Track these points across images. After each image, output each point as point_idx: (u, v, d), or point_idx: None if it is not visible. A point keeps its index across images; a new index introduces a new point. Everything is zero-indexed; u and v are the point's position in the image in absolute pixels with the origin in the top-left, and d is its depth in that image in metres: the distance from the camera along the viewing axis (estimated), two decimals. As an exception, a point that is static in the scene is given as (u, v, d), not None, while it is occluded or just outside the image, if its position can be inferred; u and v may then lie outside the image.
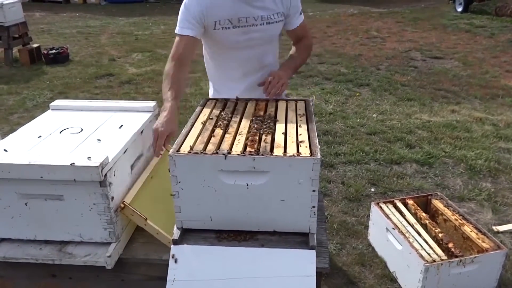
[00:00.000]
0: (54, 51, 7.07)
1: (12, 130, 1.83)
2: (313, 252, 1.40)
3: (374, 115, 4.73)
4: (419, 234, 2.39)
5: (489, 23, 9.29)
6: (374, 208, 2.67)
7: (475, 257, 2.21)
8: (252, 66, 1.96)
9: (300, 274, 1.36)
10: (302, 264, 1.38)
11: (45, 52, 7.06)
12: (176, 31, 1.81)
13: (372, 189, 3.34)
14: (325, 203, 3.09)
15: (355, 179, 3.47)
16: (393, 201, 2.70)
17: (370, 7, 12.14)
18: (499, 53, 7.10)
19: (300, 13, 1.93)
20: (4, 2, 6.54)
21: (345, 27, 9.61)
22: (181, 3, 1.83)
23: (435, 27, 9.26)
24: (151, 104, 1.89)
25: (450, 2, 11.19)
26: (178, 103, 1.69)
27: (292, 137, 1.48)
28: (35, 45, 7.18)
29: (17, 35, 6.94)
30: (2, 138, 1.81)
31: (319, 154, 1.36)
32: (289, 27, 1.94)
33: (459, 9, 10.58)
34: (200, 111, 1.73)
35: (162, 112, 1.63)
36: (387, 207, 2.65)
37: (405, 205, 2.66)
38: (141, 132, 1.74)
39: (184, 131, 1.55)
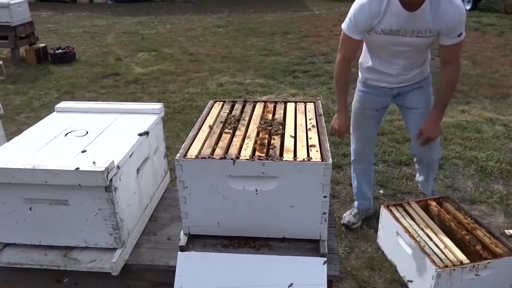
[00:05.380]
0: (60, 50, 7.08)
1: (19, 130, 1.82)
2: (324, 259, 1.36)
3: (382, 115, 4.65)
4: (430, 238, 2.34)
5: (498, 21, 9.16)
6: (383, 211, 2.61)
7: (489, 262, 2.15)
8: (399, 63, 2.41)
9: (310, 282, 1.33)
10: (313, 272, 1.34)
11: (52, 51, 7.07)
12: (346, 32, 2.27)
13: (381, 191, 3.29)
14: (333, 206, 3.04)
15: (363, 181, 3.40)
16: (402, 204, 2.65)
17: (377, 5, 12.02)
18: (509, 52, 6.99)
19: (457, 36, 2.14)
20: (11, 2, 6.54)
21: (352, 26, 9.51)
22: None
23: (443, 25, 9.16)
24: (157, 106, 1.86)
25: None
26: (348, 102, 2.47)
27: (302, 141, 1.44)
28: (41, 45, 7.19)
29: (23, 35, 6.95)
30: (8, 140, 1.79)
31: (330, 159, 1.32)
32: (439, 41, 2.22)
33: (468, 7, 10.46)
34: (207, 114, 1.70)
35: (340, 114, 2.44)
36: (397, 210, 2.59)
37: (415, 208, 2.61)
38: (147, 135, 1.70)
39: (191, 134, 1.51)
